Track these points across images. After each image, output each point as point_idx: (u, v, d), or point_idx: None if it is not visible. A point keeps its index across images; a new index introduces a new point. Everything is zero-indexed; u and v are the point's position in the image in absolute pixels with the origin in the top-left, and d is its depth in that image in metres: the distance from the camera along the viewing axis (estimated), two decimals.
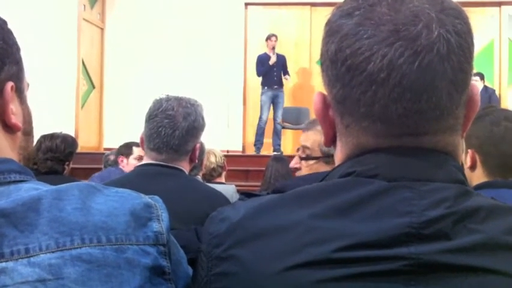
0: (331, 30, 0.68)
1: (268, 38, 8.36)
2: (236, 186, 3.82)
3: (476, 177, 1.49)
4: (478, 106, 0.70)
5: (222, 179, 3.95)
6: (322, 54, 0.71)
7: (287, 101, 8.86)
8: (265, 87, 8.38)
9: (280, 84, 8.38)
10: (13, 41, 0.77)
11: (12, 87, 0.75)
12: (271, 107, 8.45)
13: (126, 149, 4.50)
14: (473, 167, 1.50)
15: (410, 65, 0.63)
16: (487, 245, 0.60)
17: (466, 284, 0.59)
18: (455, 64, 0.64)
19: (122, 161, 4.46)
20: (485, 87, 8.13)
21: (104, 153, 5.14)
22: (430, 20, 0.63)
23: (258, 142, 8.49)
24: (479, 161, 1.50)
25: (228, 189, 3.33)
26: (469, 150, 1.50)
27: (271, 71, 8.30)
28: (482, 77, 7.99)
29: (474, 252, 0.59)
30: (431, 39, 0.63)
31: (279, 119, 8.38)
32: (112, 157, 4.67)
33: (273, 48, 8.30)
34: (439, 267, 0.59)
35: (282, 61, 8.35)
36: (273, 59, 8.23)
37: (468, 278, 0.59)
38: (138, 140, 1.85)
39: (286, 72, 8.42)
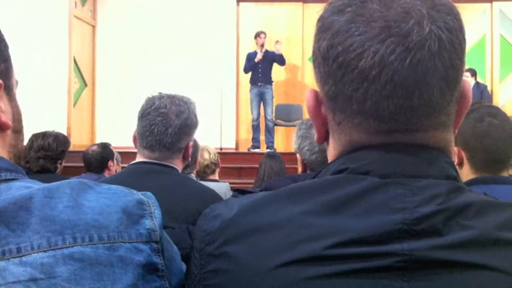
0: (323, 27, 0.68)
1: (257, 36, 8.35)
2: (229, 183, 3.82)
3: (464, 174, 1.51)
4: (469, 102, 0.71)
5: (216, 176, 3.95)
6: (314, 51, 0.71)
7: (279, 98, 8.86)
8: (252, 85, 8.39)
9: (266, 81, 8.32)
10: (1, 38, 0.77)
11: (0, 85, 0.75)
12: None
13: (110, 152, 4.15)
14: (460, 164, 1.52)
15: (402, 62, 0.63)
16: (479, 240, 0.60)
17: (459, 280, 0.59)
18: (447, 60, 0.64)
19: (111, 165, 4.10)
20: (477, 83, 8.16)
21: None
22: (421, 16, 0.63)
23: (254, 140, 8.50)
24: (465, 158, 1.52)
25: (221, 186, 3.33)
26: (455, 148, 1.51)
27: (257, 68, 8.28)
28: (473, 73, 8.03)
29: (466, 248, 0.60)
30: (422, 36, 0.63)
31: (269, 116, 8.35)
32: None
33: (262, 45, 8.27)
34: (432, 263, 0.59)
35: (270, 57, 8.29)
36: (258, 57, 8.21)
37: (461, 273, 0.59)
38: (131, 138, 1.84)
39: (279, 59, 8.31)
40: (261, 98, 8.37)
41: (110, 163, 4.08)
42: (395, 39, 0.63)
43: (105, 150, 4.10)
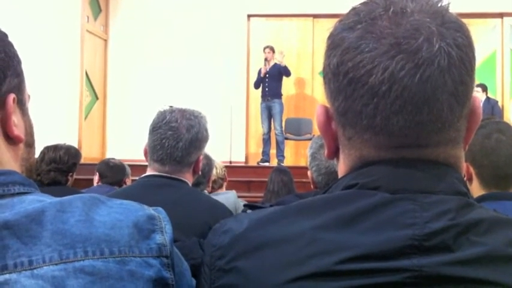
0: (333, 44, 0.69)
1: (263, 50, 8.39)
2: (238, 197, 3.82)
3: (474, 189, 1.50)
4: (479, 118, 0.71)
5: (223, 190, 3.96)
6: (324, 67, 0.71)
7: (289, 112, 8.85)
8: (261, 99, 8.42)
9: (274, 95, 8.29)
10: (14, 53, 0.78)
11: (14, 99, 0.76)
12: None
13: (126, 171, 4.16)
14: (469, 180, 1.51)
15: (412, 78, 0.63)
16: (490, 257, 0.60)
17: None
18: (456, 77, 0.65)
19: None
20: (488, 98, 8.13)
21: None
22: (430, 33, 0.64)
23: (264, 153, 8.48)
24: (474, 174, 1.52)
25: (229, 197, 3.33)
26: (464, 163, 1.50)
27: (264, 83, 8.30)
28: (484, 88, 8.00)
29: (477, 264, 0.59)
30: (432, 53, 0.63)
31: (278, 130, 8.31)
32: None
33: (265, 59, 8.27)
34: (442, 279, 0.59)
35: (277, 70, 8.27)
36: (262, 71, 8.24)
37: None
38: (141, 152, 1.85)
39: (284, 71, 8.28)
40: (269, 112, 8.37)
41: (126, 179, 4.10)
42: (405, 55, 0.63)
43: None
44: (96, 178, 4.00)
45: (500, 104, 8.75)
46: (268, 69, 8.25)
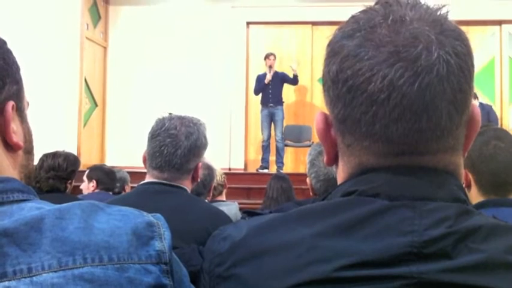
0: (333, 51, 0.69)
1: (266, 57, 8.40)
2: (237, 203, 3.82)
3: (473, 196, 1.51)
4: (478, 126, 0.71)
5: (223, 197, 3.96)
6: (323, 75, 0.71)
7: (289, 119, 8.85)
8: (262, 106, 8.42)
9: (277, 102, 8.33)
10: (13, 60, 0.78)
11: (12, 106, 0.76)
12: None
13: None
14: (468, 187, 1.52)
15: (411, 86, 0.63)
16: (488, 264, 0.60)
17: None
18: (455, 85, 0.65)
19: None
20: (482, 105, 8.10)
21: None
22: (429, 41, 0.64)
23: (263, 160, 8.48)
24: (472, 180, 1.53)
25: (231, 209, 3.33)
26: (463, 170, 1.51)
27: (267, 90, 8.31)
28: (475, 95, 7.98)
29: (475, 271, 0.59)
30: (431, 61, 0.63)
31: (279, 137, 8.34)
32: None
33: (270, 66, 8.30)
34: (441, 286, 0.59)
35: (280, 77, 8.32)
36: (267, 78, 8.25)
37: None
38: (140, 159, 1.85)
39: (293, 80, 8.39)
40: (271, 119, 8.38)
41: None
42: (404, 63, 0.63)
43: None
44: (90, 185, 4.02)
45: (499, 110, 8.76)
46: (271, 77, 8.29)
